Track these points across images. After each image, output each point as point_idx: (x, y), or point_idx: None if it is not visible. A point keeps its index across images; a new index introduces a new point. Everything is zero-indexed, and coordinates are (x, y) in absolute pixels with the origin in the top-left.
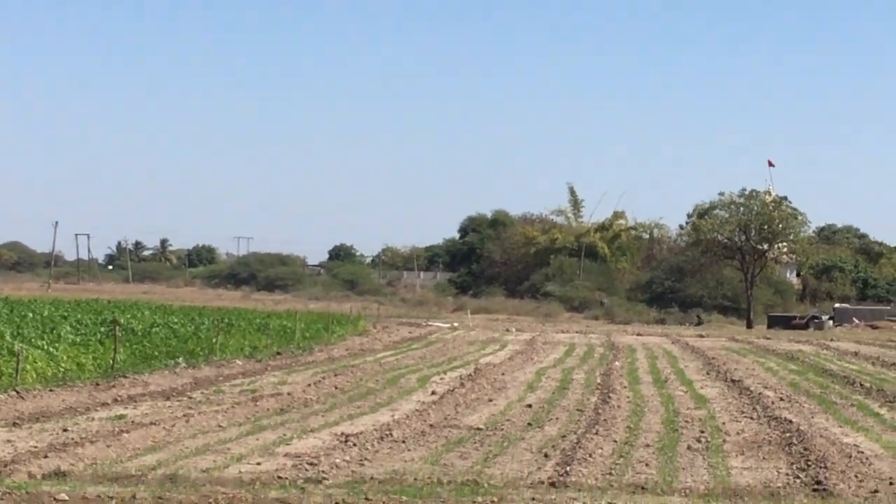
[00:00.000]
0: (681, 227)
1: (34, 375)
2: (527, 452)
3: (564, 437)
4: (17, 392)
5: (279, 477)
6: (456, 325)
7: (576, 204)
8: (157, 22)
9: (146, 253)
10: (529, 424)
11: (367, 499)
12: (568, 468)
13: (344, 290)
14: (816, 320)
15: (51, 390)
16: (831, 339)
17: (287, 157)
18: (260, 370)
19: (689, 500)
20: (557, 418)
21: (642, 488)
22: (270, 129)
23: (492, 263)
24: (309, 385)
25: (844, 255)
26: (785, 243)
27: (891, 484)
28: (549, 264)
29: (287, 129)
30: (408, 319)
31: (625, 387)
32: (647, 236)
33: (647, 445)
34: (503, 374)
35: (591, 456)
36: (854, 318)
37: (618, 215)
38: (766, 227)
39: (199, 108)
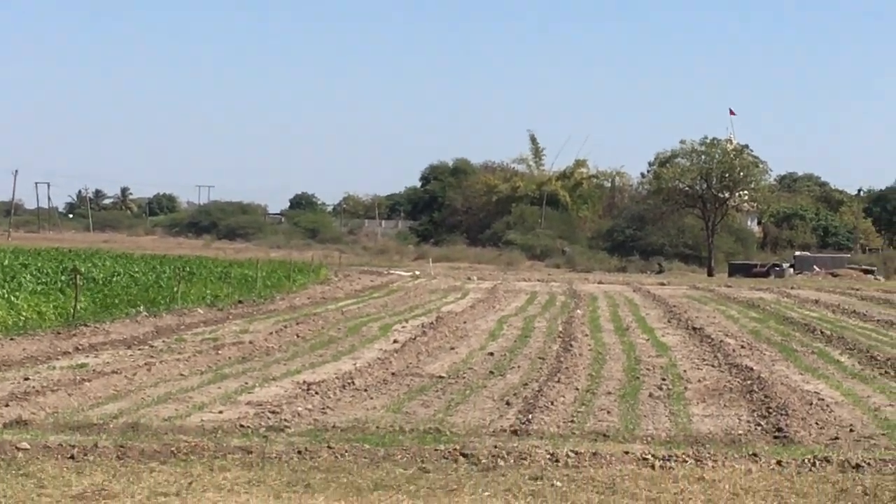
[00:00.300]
0: (642, 175)
1: None
2: (489, 400)
3: (526, 385)
4: None
5: (241, 425)
6: (417, 273)
7: (537, 152)
8: None
9: (107, 202)
10: (491, 373)
11: (329, 447)
12: (530, 416)
13: (305, 238)
14: (777, 268)
15: (11, 339)
16: (792, 287)
17: (249, 105)
18: (221, 319)
19: (650, 448)
20: (519, 366)
21: (604, 436)
22: (232, 77)
23: (453, 212)
24: (271, 333)
25: (805, 203)
26: (746, 191)
27: (851, 430)
28: (511, 213)
29: (249, 78)
30: (369, 268)
31: (586, 335)
32: (609, 185)
33: (609, 393)
34: (465, 322)
35: (552, 404)
36: (815, 266)
37: (579, 163)
38: (727, 175)
39: (161, 56)
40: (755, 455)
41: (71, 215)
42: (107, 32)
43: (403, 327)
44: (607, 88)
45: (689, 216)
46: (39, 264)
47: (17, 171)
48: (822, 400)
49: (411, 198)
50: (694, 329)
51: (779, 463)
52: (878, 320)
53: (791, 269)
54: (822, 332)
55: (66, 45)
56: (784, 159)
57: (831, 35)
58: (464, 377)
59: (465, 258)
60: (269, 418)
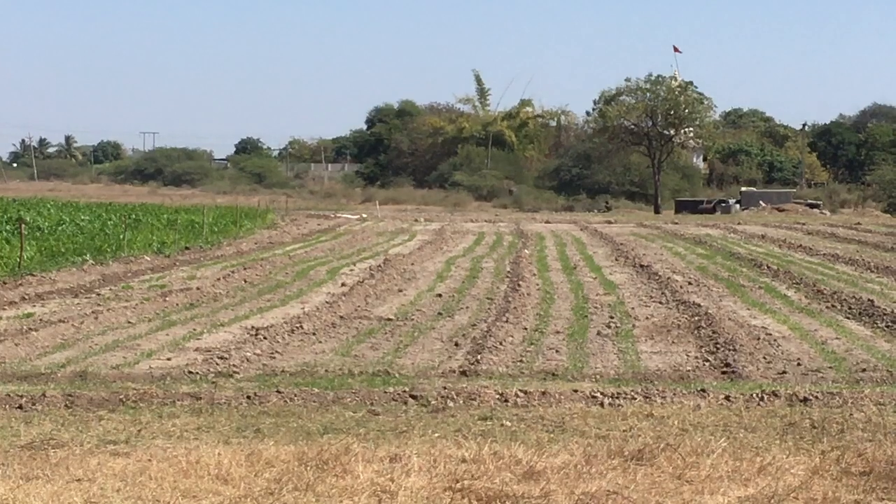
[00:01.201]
0: (587, 113)
1: None
2: (437, 342)
3: (474, 325)
4: None
5: (190, 372)
6: (364, 216)
7: (482, 93)
8: None
9: (51, 150)
10: (439, 314)
11: (278, 391)
12: (479, 356)
13: (251, 183)
14: (723, 204)
15: None
16: (738, 223)
17: (191, 49)
18: (168, 266)
19: (599, 386)
20: (467, 307)
21: (553, 374)
22: (173, 20)
23: (399, 154)
24: (218, 279)
25: (750, 138)
26: (691, 128)
27: (798, 364)
28: (457, 154)
29: (192, 21)
30: (316, 212)
31: (534, 274)
32: (555, 124)
33: (557, 332)
34: (412, 264)
35: (501, 344)
36: (760, 202)
37: (525, 103)
38: (672, 112)
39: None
40: (703, 391)
41: (15, 164)
42: None
43: (351, 270)
44: (551, 27)
45: (634, 154)
46: None
47: None
48: (770, 335)
49: (357, 141)
50: (641, 266)
51: (727, 398)
52: (824, 254)
53: (737, 205)
54: (768, 267)
55: None
56: (728, 95)
57: None
58: (412, 319)
59: (411, 200)
60: (217, 364)
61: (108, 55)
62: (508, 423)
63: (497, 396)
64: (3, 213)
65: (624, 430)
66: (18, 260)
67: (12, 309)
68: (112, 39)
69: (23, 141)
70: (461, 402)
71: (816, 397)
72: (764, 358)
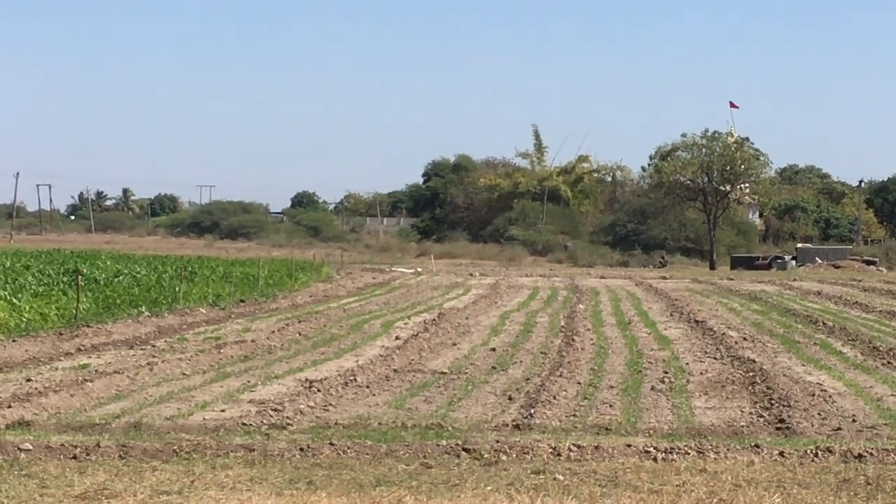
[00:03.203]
0: (643, 169)
1: None
2: (491, 395)
3: (528, 379)
4: None
5: (243, 423)
6: (419, 270)
7: (539, 147)
8: None
9: (108, 203)
10: (493, 368)
11: (331, 444)
12: (532, 410)
13: (307, 237)
14: (779, 260)
15: (14, 340)
16: (794, 279)
17: (250, 105)
18: (223, 318)
19: (652, 440)
20: (521, 361)
21: (606, 429)
22: (233, 77)
23: (455, 208)
24: (273, 332)
25: (806, 195)
26: (747, 184)
27: (853, 421)
28: (513, 208)
29: (249, 78)
30: (371, 265)
31: (588, 329)
32: (610, 179)
33: (611, 387)
34: (467, 318)
35: (555, 398)
36: (816, 258)
37: (581, 159)
38: (728, 168)
39: (161, 57)
40: (757, 446)
41: (73, 217)
42: (107, 34)
43: (405, 324)
44: (608, 82)
45: (690, 209)
46: (41, 266)
47: (18, 174)
48: (825, 391)
49: (413, 195)
50: (696, 322)
51: (781, 454)
52: (880, 311)
53: (793, 262)
54: (824, 324)
55: (68, 48)
56: (785, 151)
57: (832, 26)
58: (466, 373)
59: (466, 254)
60: (271, 416)
61: (167, 109)
62: (561, 478)
63: (550, 450)
64: (60, 264)
65: (677, 486)
66: (75, 311)
67: (68, 360)
68: (170, 94)
69: (81, 194)
70: (514, 455)
71: (871, 454)
72: (819, 414)
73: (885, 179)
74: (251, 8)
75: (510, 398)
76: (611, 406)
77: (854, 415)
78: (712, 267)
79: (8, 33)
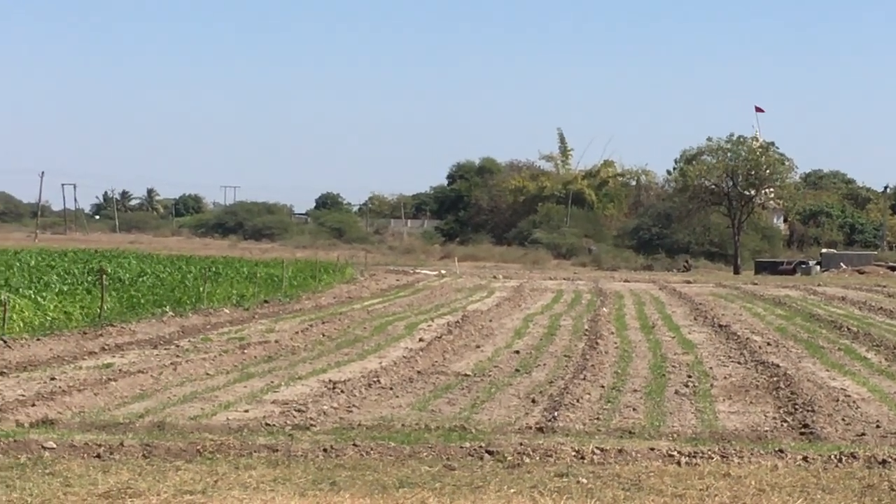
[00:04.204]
0: (668, 172)
1: (21, 325)
2: (514, 398)
3: (552, 382)
4: (5, 341)
5: (267, 424)
6: (443, 272)
7: (564, 150)
8: None
9: (133, 202)
10: (517, 370)
11: (354, 445)
12: (555, 413)
13: (331, 238)
14: (804, 266)
15: (38, 339)
16: (818, 285)
17: (274, 105)
18: (247, 318)
19: (676, 444)
20: (545, 364)
21: (630, 432)
22: (257, 77)
23: (479, 211)
24: (296, 333)
25: (831, 200)
26: (772, 189)
27: (877, 427)
28: (537, 211)
29: (274, 78)
30: (395, 267)
31: (612, 333)
32: (635, 183)
33: (635, 390)
34: (491, 320)
35: (578, 401)
36: (841, 264)
37: (606, 163)
38: (753, 172)
39: (186, 55)
40: (781, 451)
41: (97, 216)
42: (131, 34)
43: (429, 326)
44: (633, 86)
45: (714, 214)
46: (66, 265)
47: (43, 173)
48: (849, 396)
49: (437, 197)
50: (720, 326)
51: (805, 459)
52: None
53: (817, 267)
54: (848, 329)
55: (92, 47)
56: (810, 156)
57: (857, 31)
58: (489, 375)
59: (490, 257)
60: (294, 417)
61: (191, 109)
62: (584, 481)
63: (573, 453)
64: (85, 264)
65: (700, 490)
66: (99, 310)
67: (92, 359)
68: (195, 94)
69: (105, 193)
70: (537, 458)
71: (895, 460)
72: (843, 419)
73: None
74: (278, 8)
75: (534, 401)
76: (634, 410)
77: (878, 420)
78: (736, 271)
79: (35, 34)
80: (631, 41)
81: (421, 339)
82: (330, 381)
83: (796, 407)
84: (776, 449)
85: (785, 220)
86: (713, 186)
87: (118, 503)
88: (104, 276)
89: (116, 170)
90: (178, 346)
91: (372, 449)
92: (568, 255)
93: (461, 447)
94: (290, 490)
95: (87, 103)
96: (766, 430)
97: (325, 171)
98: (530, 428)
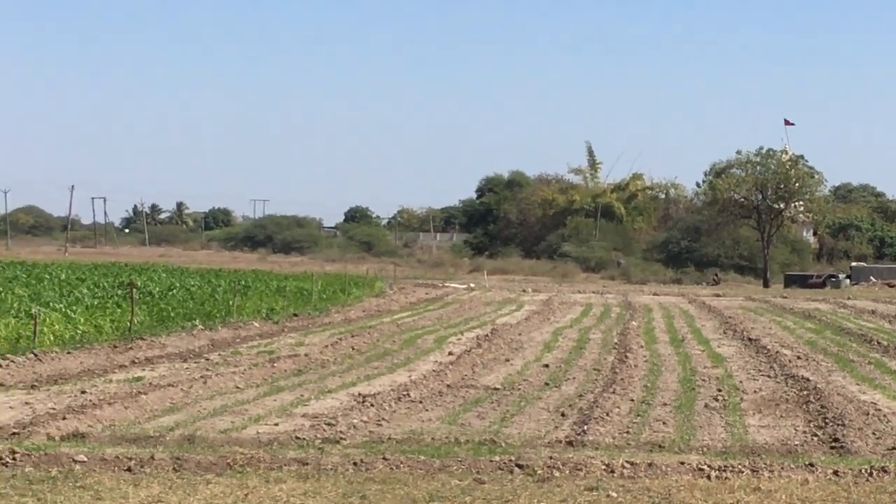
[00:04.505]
0: (697, 185)
1: (52, 338)
2: (544, 412)
3: (581, 396)
4: (36, 355)
5: (297, 437)
6: (472, 285)
7: (593, 164)
8: None
9: (162, 216)
10: (546, 384)
11: (384, 458)
12: (585, 427)
13: (360, 251)
14: (833, 279)
15: (69, 353)
16: (848, 298)
17: (303, 119)
18: (277, 332)
19: (706, 458)
20: (574, 378)
21: (660, 446)
22: (286, 92)
23: (508, 224)
24: (326, 346)
25: (861, 213)
26: (801, 202)
27: None
28: (566, 225)
29: (302, 93)
30: (424, 280)
31: (641, 346)
32: (664, 196)
33: (665, 404)
34: (520, 334)
35: (608, 415)
36: (871, 277)
37: (635, 176)
38: (782, 186)
39: (214, 71)
40: (812, 465)
41: (127, 230)
42: (162, 49)
43: (459, 339)
44: (662, 99)
45: (744, 227)
46: (96, 279)
47: (73, 187)
48: (879, 410)
49: (466, 210)
50: (750, 340)
51: (836, 473)
52: None
53: (847, 280)
54: (878, 343)
55: (122, 62)
56: (839, 169)
57: (888, 44)
58: (519, 389)
59: (519, 270)
60: (324, 430)
61: (221, 123)
62: (614, 494)
63: (603, 467)
64: (114, 277)
65: None
66: (129, 324)
67: (122, 372)
68: (224, 108)
69: (135, 207)
70: (567, 472)
71: None
72: (873, 433)
73: None
74: (307, 23)
75: (563, 414)
76: (664, 423)
77: None
78: (766, 285)
79: (67, 47)
80: (660, 54)
81: (450, 353)
82: (360, 394)
83: (827, 421)
84: (806, 463)
85: (814, 234)
86: (742, 200)
87: None
88: (134, 290)
89: (146, 183)
90: (207, 359)
91: (402, 462)
92: (597, 268)
93: (491, 461)
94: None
95: (117, 117)
96: (797, 444)
97: (354, 184)
98: (560, 441)
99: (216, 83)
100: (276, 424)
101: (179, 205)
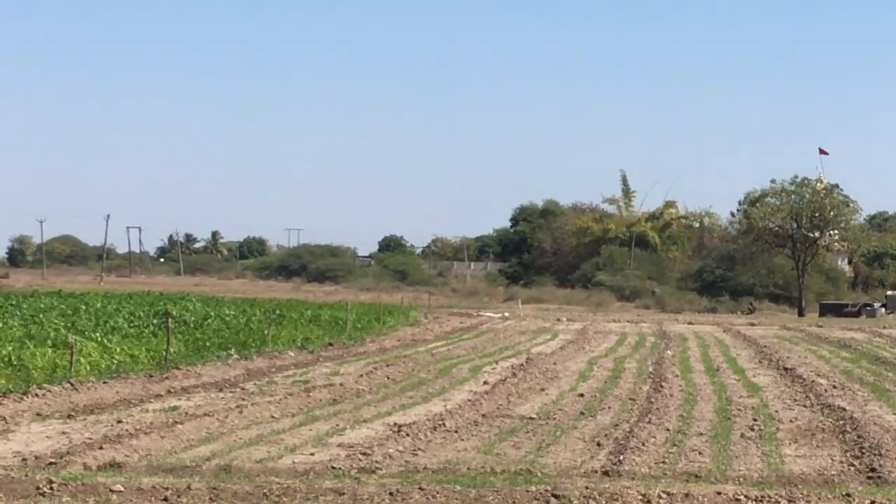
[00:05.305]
0: (732, 214)
1: (88, 368)
2: (579, 441)
3: (617, 425)
4: (72, 384)
5: (333, 467)
6: (507, 314)
7: (627, 192)
8: (204, 11)
9: (197, 245)
10: (582, 413)
11: (420, 488)
12: (621, 457)
13: (394, 280)
14: (869, 308)
15: (105, 382)
16: (884, 327)
17: (337, 148)
18: (312, 361)
19: (742, 488)
20: (610, 407)
21: (696, 476)
22: (320, 120)
23: (542, 253)
24: (361, 375)
25: None
26: (836, 231)
27: None
28: (600, 254)
29: (338, 122)
30: (459, 310)
31: (677, 375)
32: (698, 225)
33: (700, 434)
34: (555, 363)
35: (643, 444)
36: None
37: (669, 204)
38: (817, 214)
39: (250, 100)
40: (849, 496)
41: (162, 259)
42: (199, 79)
43: (493, 369)
44: (696, 128)
45: (779, 256)
46: (132, 308)
47: (108, 216)
48: None
49: (500, 239)
50: (785, 369)
51: (873, 503)
52: None
53: (883, 309)
54: None
55: (156, 91)
56: (875, 198)
57: None
58: (554, 418)
59: (554, 299)
60: (360, 460)
61: (256, 153)
62: None
63: (640, 497)
64: (150, 307)
65: None
66: (165, 353)
67: (158, 402)
68: (260, 137)
69: (170, 236)
70: (603, 502)
71: None
72: None
73: None
74: (339, 51)
75: (599, 444)
76: (700, 453)
77: None
78: (801, 314)
79: (103, 79)
80: (694, 83)
81: (485, 382)
82: (395, 424)
83: (863, 451)
84: (843, 493)
85: (849, 262)
86: (777, 228)
87: None
88: (170, 319)
89: (181, 213)
90: (243, 388)
91: (438, 493)
92: (631, 297)
93: (527, 491)
94: None
95: (152, 146)
96: (833, 474)
97: (389, 213)
98: (596, 471)
99: (252, 113)
100: (312, 454)
101: (214, 234)
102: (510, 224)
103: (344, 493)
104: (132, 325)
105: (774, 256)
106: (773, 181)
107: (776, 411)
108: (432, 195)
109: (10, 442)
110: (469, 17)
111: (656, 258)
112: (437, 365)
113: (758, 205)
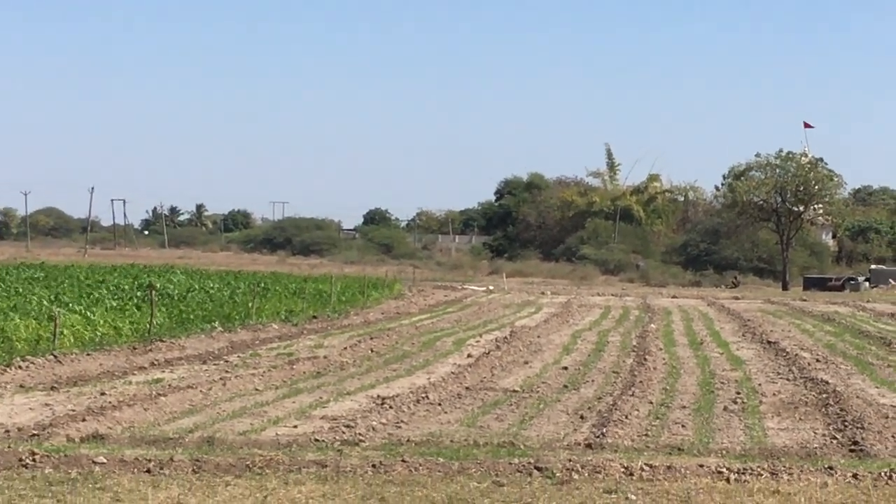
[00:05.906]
0: (716, 188)
1: (72, 340)
2: (563, 414)
3: (600, 398)
4: (55, 356)
5: (316, 439)
6: (491, 288)
7: (612, 166)
8: None
9: (182, 218)
10: (565, 386)
11: (403, 461)
12: (604, 429)
13: (379, 254)
14: (852, 282)
15: (88, 354)
16: (867, 301)
17: (322, 121)
18: (296, 334)
19: (725, 461)
20: (593, 380)
21: (679, 449)
22: (305, 93)
23: (527, 227)
24: (345, 348)
25: (880, 216)
26: (821, 205)
27: None
28: (585, 227)
29: (322, 95)
30: (443, 283)
31: (660, 349)
32: (683, 199)
33: (684, 407)
34: (539, 336)
35: (627, 417)
36: (890, 280)
37: (653, 178)
38: (801, 188)
39: (234, 72)
40: (831, 468)
41: (146, 232)
42: (180, 53)
43: (477, 342)
44: (681, 101)
45: (763, 230)
46: (116, 280)
47: (93, 189)
48: None
49: (485, 213)
50: (769, 343)
51: (855, 476)
52: None
53: (866, 283)
54: None
55: (143, 64)
56: (859, 172)
57: None
58: (538, 391)
59: (538, 273)
60: (343, 432)
61: (241, 125)
62: (633, 497)
63: (622, 470)
64: (134, 279)
65: None
66: (148, 326)
67: (142, 374)
68: (244, 110)
69: (154, 209)
70: (586, 474)
71: None
72: (893, 436)
73: None
74: (323, 28)
75: (582, 417)
76: (683, 426)
77: None
78: (785, 288)
79: (85, 51)
80: (679, 56)
81: (469, 355)
82: (378, 396)
83: (846, 424)
84: (826, 466)
85: (833, 237)
86: (762, 202)
87: None
88: (153, 292)
89: (166, 185)
90: (227, 361)
91: (421, 465)
92: (616, 271)
93: (510, 463)
94: None
95: (136, 118)
96: (816, 447)
97: (374, 187)
98: (579, 444)
99: (236, 85)
100: (295, 426)
101: (199, 207)
102: (495, 197)
103: (327, 466)
104: (116, 297)
105: (759, 230)
106: (757, 155)
107: (759, 384)
108: (417, 168)
109: None
110: None
111: (641, 232)
112: (421, 338)
113: (742, 179)
